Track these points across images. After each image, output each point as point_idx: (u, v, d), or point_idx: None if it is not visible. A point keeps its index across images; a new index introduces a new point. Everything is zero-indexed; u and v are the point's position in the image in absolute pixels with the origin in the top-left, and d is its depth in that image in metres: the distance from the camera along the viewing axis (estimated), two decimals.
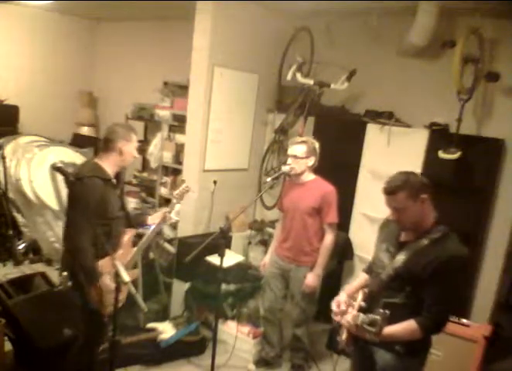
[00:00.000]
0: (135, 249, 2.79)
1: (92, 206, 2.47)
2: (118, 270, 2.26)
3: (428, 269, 1.94)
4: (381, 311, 1.86)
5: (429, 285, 1.95)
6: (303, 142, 3.26)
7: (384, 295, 2.07)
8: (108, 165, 2.59)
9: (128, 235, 2.74)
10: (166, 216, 2.87)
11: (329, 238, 3.26)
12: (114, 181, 2.63)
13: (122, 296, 2.69)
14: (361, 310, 2.04)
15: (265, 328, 3.61)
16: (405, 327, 1.98)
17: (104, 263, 2.55)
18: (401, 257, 2.05)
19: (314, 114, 4.19)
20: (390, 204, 2.06)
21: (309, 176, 3.31)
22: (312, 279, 3.26)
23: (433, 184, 2.10)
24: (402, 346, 2.03)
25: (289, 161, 3.25)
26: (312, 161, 3.25)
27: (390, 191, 2.03)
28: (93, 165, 2.59)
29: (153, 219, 2.90)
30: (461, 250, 2.00)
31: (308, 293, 3.29)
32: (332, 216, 3.25)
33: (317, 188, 3.26)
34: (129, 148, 2.63)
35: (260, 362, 3.60)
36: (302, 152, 3.21)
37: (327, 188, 3.25)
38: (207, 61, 3.95)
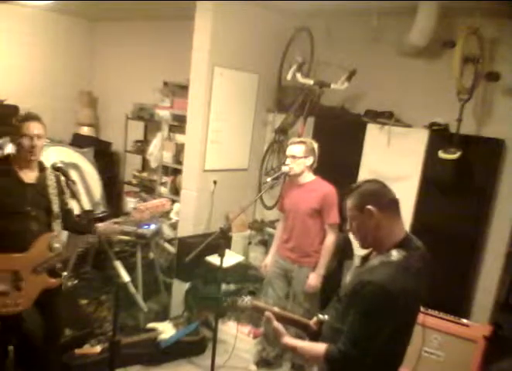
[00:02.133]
0: (51, 254, 2.59)
1: None
2: (117, 269, 2.25)
3: (352, 291, 1.69)
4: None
5: (349, 312, 1.67)
6: (301, 142, 3.27)
7: (331, 315, 1.87)
8: (15, 159, 2.55)
9: (45, 236, 2.57)
10: (107, 229, 2.76)
11: (330, 239, 3.27)
12: (28, 175, 2.56)
13: (21, 300, 2.51)
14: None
15: (266, 328, 3.61)
16: (312, 347, 1.76)
17: None
18: (349, 274, 1.87)
19: (314, 114, 4.19)
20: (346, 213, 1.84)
21: (309, 177, 3.31)
22: (314, 279, 3.27)
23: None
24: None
25: (288, 161, 3.25)
26: (310, 160, 3.25)
27: (343, 197, 1.85)
28: (4, 156, 2.60)
29: (100, 228, 2.79)
30: (391, 281, 1.59)
31: (310, 293, 3.30)
32: (334, 217, 3.25)
33: (318, 189, 3.26)
34: (19, 139, 2.52)
35: (261, 362, 3.61)
36: (300, 152, 3.22)
37: (327, 189, 3.26)
38: (207, 61, 3.95)
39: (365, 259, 1.82)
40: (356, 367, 1.64)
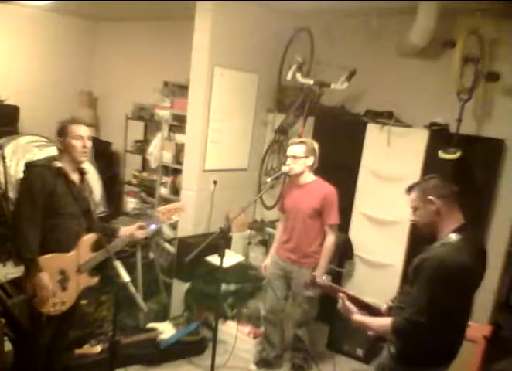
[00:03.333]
0: (94, 254, 2.68)
1: (36, 196, 2.47)
2: (117, 269, 2.25)
3: (414, 269, 1.95)
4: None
5: (412, 286, 1.95)
6: (302, 142, 3.27)
7: (399, 298, 2.10)
8: (62, 160, 2.59)
9: (88, 237, 2.66)
10: (137, 232, 2.80)
11: (330, 239, 3.28)
12: (74, 176, 2.63)
13: (66, 299, 2.60)
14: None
15: (266, 328, 3.61)
16: (380, 320, 2.01)
17: (45, 260, 2.49)
18: (414, 259, 2.06)
19: (314, 114, 4.19)
20: (409, 204, 2.12)
21: (310, 177, 3.31)
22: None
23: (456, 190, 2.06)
24: (395, 349, 2.01)
25: (288, 161, 3.25)
26: (311, 161, 3.25)
27: (406, 190, 2.11)
28: (48, 157, 2.63)
29: (125, 232, 2.83)
30: (447, 256, 1.88)
31: (310, 294, 3.30)
32: (334, 218, 3.26)
33: (318, 190, 3.26)
34: (69, 141, 2.58)
35: (260, 362, 3.60)
36: (301, 152, 3.22)
37: (328, 190, 3.26)
38: (207, 61, 3.95)
39: (428, 246, 2.03)
40: (421, 332, 1.86)
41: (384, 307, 2.20)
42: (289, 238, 3.37)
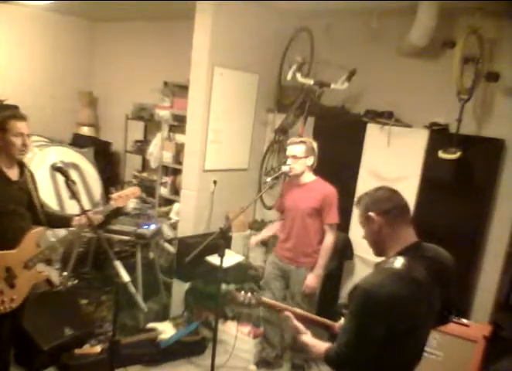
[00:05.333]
0: (41, 249, 2.62)
1: None
2: (117, 269, 2.25)
3: (348, 295, 1.73)
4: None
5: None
6: (302, 142, 3.27)
7: None
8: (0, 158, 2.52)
9: (33, 232, 2.59)
10: (91, 218, 2.62)
11: (329, 239, 3.27)
12: (11, 172, 2.55)
13: (16, 296, 2.54)
14: None
15: (266, 328, 3.61)
16: (319, 346, 1.82)
17: None
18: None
19: (314, 114, 4.19)
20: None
21: (310, 177, 3.31)
22: (312, 280, 3.27)
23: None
24: None
25: (289, 161, 3.25)
26: (311, 160, 3.25)
27: (355, 203, 1.90)
28: None
29: (78, 221, 2.72)
30: (377, 286, 1.61)
31: (308, 293, 3.30)
32: (333, 217, 3.26)
33: (318, 189, 3.26)
34: (9, 137, 2.48)
35: (260, 362, 3.61)
36: (301, 152, 3.22)
37: (328, 190, 3.26)
38: (207, 61, 3.95)
39: (377, 265, 1.82)
40: (349, 367, 1.69)
41: (339, 322, 2.05)
42: (288, 237, 3.37)
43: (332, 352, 1.71)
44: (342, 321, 2.01)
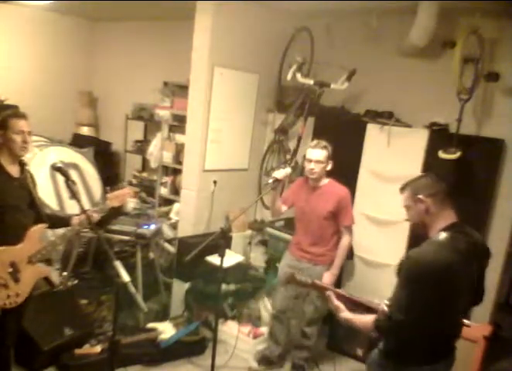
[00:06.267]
0: (44, 245, 2.68)
1: None
2: (117, 269, 2.25)
3: (397, 267, 1.97)
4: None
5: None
6: (325, 147, 3.27)
7: None
8: (1, 154, 2.56)
9: (36, 228, 2.64)
10: (90, 217, 2.65)
11: (346, 239, 3.33)
12: (12, 169, 2.59)
13: (21, 291, 2.60)
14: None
15: (274, 326, 3.61)
16: (364, 317, 2.03)
17: None
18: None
19: (314, 114, 4.19)
20: (402, 203, 2.14)
21: (324, 180, 3.35)
22: (328, 278, 3.30)
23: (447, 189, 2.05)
24: (383, 346, 2.07)
25: (311, 165, 3.24)
26: (330, 165, 3.30)
27: (400, 189, 2.14)
28: None
29: (77, 220, 2.75)
30: (424, 255, 1.90)
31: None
32: (349, 219, 3.32)
33: (332, 192, 3.30)
34: (10, 135, 2.53)
35: (263, 360, 3.61)
36: (324, 157, 3.25)
37: (343, 192, 3.31)
38: (207, 61, 3.95)
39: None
40: (402, 330, 1.89)
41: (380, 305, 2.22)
42: (304, 238, 3.40)
43: (383, 318, 1.90)
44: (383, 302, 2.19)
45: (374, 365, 2.13)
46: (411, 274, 1.88)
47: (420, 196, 2.02)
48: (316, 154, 3.25)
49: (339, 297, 2.16)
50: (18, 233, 2.59)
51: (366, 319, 2.01)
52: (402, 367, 2.02)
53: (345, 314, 2.10)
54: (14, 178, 2.60)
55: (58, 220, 2.86)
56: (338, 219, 3.31)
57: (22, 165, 2.68)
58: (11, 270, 2.55)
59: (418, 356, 1.99)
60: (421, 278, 1.85)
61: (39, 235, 2.67)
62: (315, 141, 3.38)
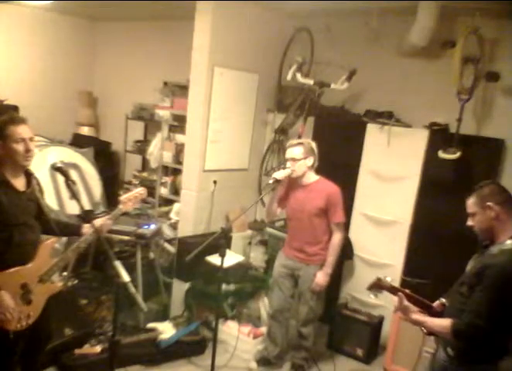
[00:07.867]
0: (55, 260, 2.50)
1: None
2: (117, 269, 2.23)
3: (476, 274, 2.02)
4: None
5: (474, 291, 2.01)
6: (299, 144, 3.28)
7: (454, 298, 2.16)
8: (3, 167, 2.34)
9: (46, 244, 2.49)
10: (103, 225, 2.55)
11: (337, 237, 3.31)
12: (18, 182, 2.40)
13: (32, 312, 2.44)
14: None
15: (271, 326, 3.61)
16: (439, 321, 2.07)
17: (3, 277, 2.29)
18: (471, 263, 2.19)
19: (314, 114, 4.19)
20: (467, 210, 2.18)
21: (312, 177, 3.33)
22: (321, 277, 3.30)
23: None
24: (453, 350, 2.09)
25: (288, 164, 3.25)
26: (311, 161, 3.26)
27: (467, 197, 2.18)
28: None
29: (88, 229, 2.57)
30: (503, 262, 1.97)
31: (317, 291, 3.32)
32: (339, 216, 3.29)
33: (322, 190, 3.28)
34: (10, 145, 2.30)
35: (261, 360, 3.61)
36: (299, 154, 3.23)
37: (332, 189, 3.28)
38: (207, 61, 3.95)
39: (484, 249, 2.15)
40: (479, 335, 1.94)
41: (437, 303, 2.28)
42: (296, 237, 3.39)
43: (462, 324, 1.96)
44: (439, 301, 2.28)
45: (442, 367, 2.16)
46: (498, 283, 1.94)
47: (489, 203, 2.07)
48: (290, 153, 3.25)
49: (408, 297, 2.17)
50: (27, 250, 2.42)
51: (442, 323, 2.04)
52: (473, 366, 2.06)
53: (416, 316, 2.12)
54: (21, 192, 2.41)
55: (66, 228, 2.70)
56: (328, 216, 3.28)
57: (28, 175, 2.48)
58: (21, 292, 2.38)
59: (489, 356, 2.04)
60: (507, 286, 1.93)
61: (49, 250, 2.51)
62: (291, 140, 3.39)
